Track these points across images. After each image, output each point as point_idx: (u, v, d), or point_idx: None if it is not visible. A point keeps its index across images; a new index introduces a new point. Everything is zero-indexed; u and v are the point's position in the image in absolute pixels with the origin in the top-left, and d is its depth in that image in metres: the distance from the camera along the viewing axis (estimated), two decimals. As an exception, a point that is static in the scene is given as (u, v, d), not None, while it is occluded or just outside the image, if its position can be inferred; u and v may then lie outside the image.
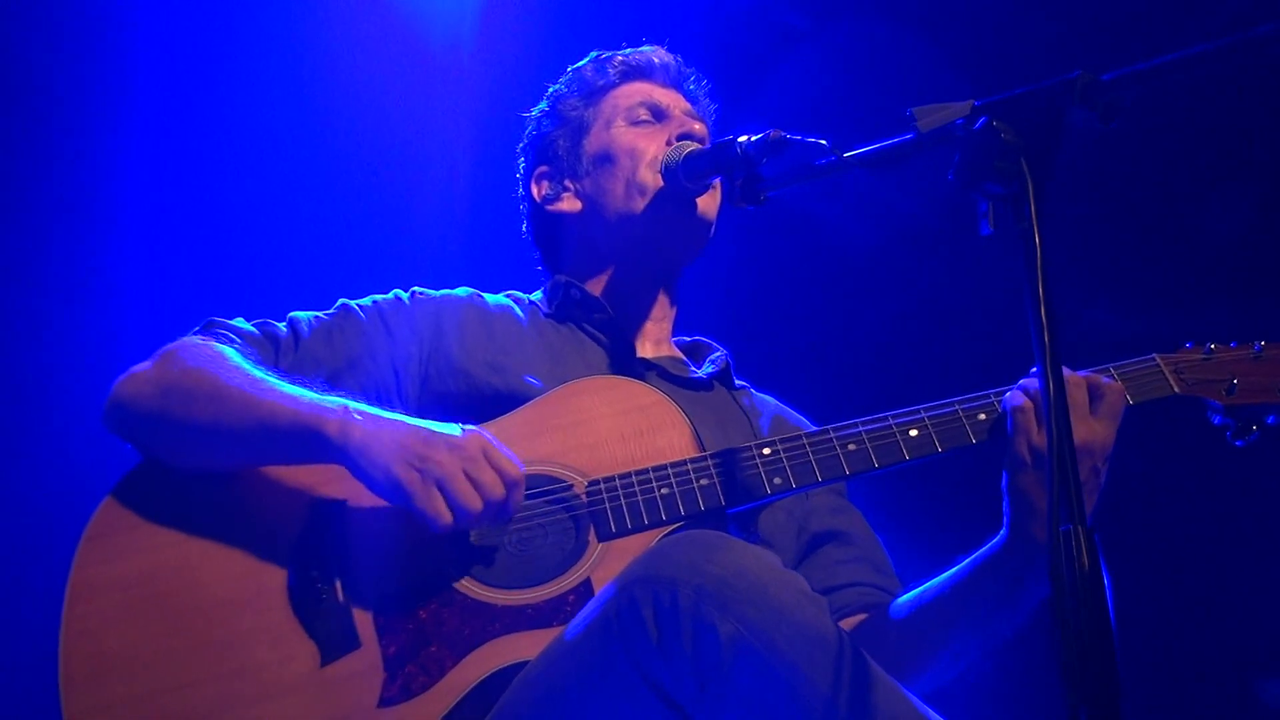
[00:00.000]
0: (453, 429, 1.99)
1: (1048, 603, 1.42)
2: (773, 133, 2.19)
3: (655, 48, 2.70)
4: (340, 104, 4.40)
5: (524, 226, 2.75)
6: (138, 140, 4.34)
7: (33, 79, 4.14)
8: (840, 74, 4.50)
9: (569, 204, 2.60)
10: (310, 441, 2.00)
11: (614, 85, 2.64)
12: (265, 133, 4.41)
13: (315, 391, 2.08)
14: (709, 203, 2.50)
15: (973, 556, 2.18)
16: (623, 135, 2.56)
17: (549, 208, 2.64)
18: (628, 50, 2.70)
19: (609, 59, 2.68)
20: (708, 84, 2.72)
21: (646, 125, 2.56)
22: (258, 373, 2.12)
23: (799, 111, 4.48)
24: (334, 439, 1.98)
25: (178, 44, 4.18)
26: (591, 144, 2.59)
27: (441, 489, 1.92)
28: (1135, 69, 1.61)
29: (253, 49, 4.25)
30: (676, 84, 2.66)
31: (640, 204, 2.48)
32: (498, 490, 1.94)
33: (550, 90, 2.72)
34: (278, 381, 2.10)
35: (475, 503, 1.92)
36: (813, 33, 4.55)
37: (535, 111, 2.73)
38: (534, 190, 2.67)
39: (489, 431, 2.03)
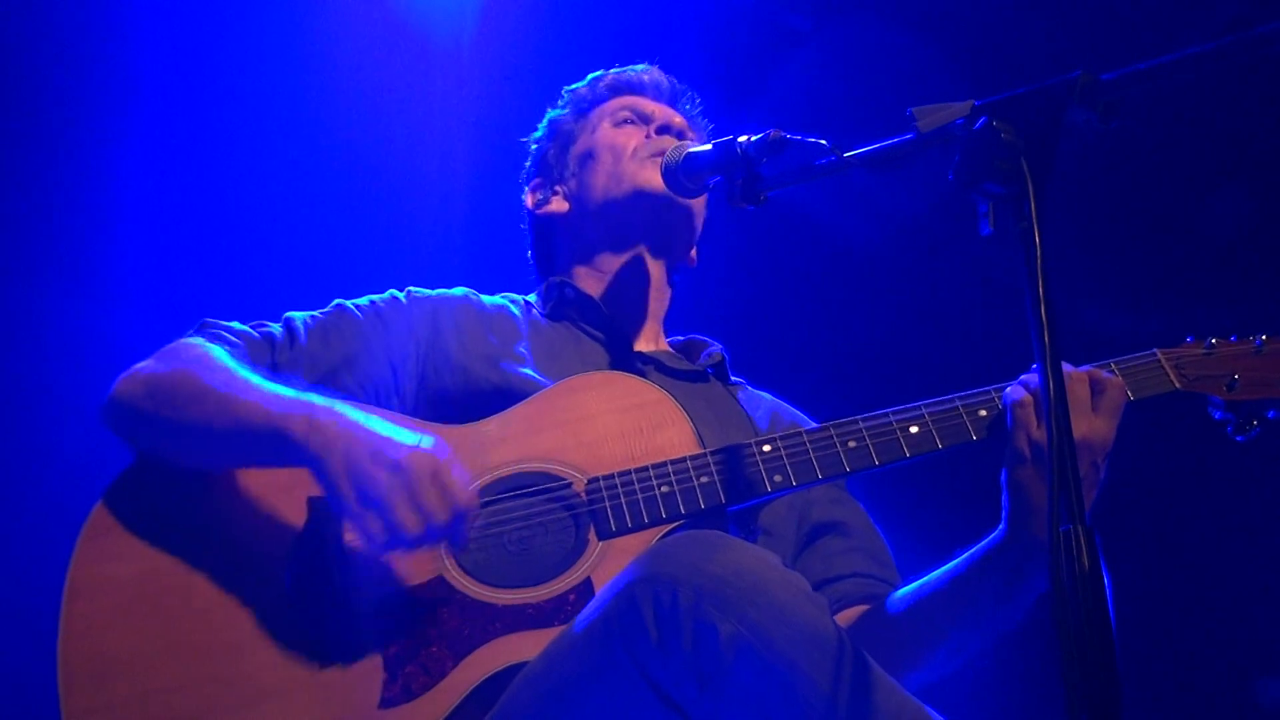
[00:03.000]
0: (409, 441, 1.91)
1: (1047, 601, 1.42)
2: (773, 133, 2.19)
3: (650, 67, 2.77)
4: (338, 104, 4.40)
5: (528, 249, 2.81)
6: (136, 139, 4.34)
7: (33, 79, 4.14)
8: (840, 74, 4.50)
9: (557, 205, 2.68)
10: (277, 444, 1.96)
11: (604, 99, 2.72)
12: (264, 133, 4.41)
13: (298, 391, 2.04)
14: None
15: (971, 551, 2.18)
16: (604, 134, 2.64)
17: (539, 211, 2.71)
18: (620, 69, 2.76)
19: (601, 77, 2.76)
20: (702, 104, 2.76)
21: (628, 125, 2.63)
22: (242, 373, 2.10)
23: (799, 111, 4.48)
24: (297, 442, 1.94)
25: (176, 44, 4.18)
26: (577, 148, 2.68)
27: (378, 511, 1.86)
28: (1135, 69, 1.61)
29: (251, 50, 4.25)
30: (670, 101, 2.72)
31: (618, 193, 2.54)
32: (440, 516, 1.86)
33: (548, 114, 2.80)
34: (261, 382, 2.07)
35: (411, 527, 1.85)
36: (813, 33, 4.55)
37: (535, 135, 2.81)
38: (527, 199, 2.75)
39: (486, 428, 2.02)
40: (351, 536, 2.00)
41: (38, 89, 4.15)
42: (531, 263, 2.79)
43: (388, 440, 1.91)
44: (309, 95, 4.35)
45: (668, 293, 2.65)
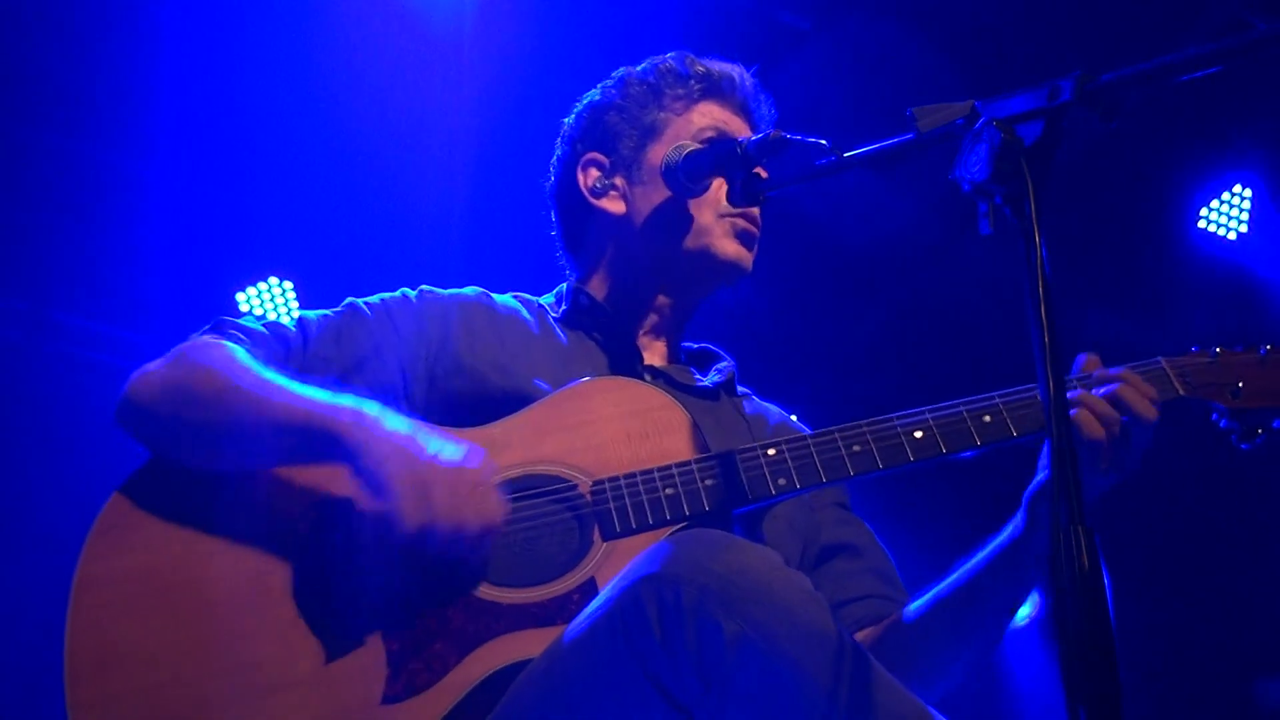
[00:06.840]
0: (456, 454, 1.97)
1: (1049, 603, 1.42)
2: (773, 133, 2.19)
3: (738, 67, 2.61)
4: (343, 104, 4.40)
5: (552, 211, 2.67)
6: (136, 140, 4.35)
7: (38, 80, 4.15)
8: (840, 74, 4.51)
9: (613, 204, 2.53)
10: (322, 443, 2.00)
11: (693, 100, 2.55)
12: (267, 134, 4.42)
13: (326, 391, 2.07)
14: (745, 256, 2.48)
15: (990, 547, 2.15)
16: None
17: (593, 200, 2.55)
18: (713, 63, 2.59)
19: (691, 65, 2.58)
20: (775, 114, 2.63)
21: None
22: (267, 373, 2.11)
23: (799, 111, 4.48)
24: (346, 443, 1.98)
25: (178, 45, 4.19)
26: (655, 154, 2.50)
27: (431, 522, 1.92)
28: (1136, 70, 1.62)
29: (253, 50, 4.26)
30: (751, 114, 2.59)
31: (693, 247, 2.46)
32: (473, 530, 1.94)
33: (623, 74, 2.61)
34: (288, 382, 2.09)
35: (453, 542, 1.93)
36: (812, 33, 4.56)
37: (599, 93, 2.62)
38: (580, 176, 2.57)
39: (493, 431, 2.04)
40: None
41: (44, 90, 4.16)
42: (557, 234, 2.67)
43: (434, 459, 1.96)
44: (311, 95, 4.35)
45: (690, 318, 2.60)
